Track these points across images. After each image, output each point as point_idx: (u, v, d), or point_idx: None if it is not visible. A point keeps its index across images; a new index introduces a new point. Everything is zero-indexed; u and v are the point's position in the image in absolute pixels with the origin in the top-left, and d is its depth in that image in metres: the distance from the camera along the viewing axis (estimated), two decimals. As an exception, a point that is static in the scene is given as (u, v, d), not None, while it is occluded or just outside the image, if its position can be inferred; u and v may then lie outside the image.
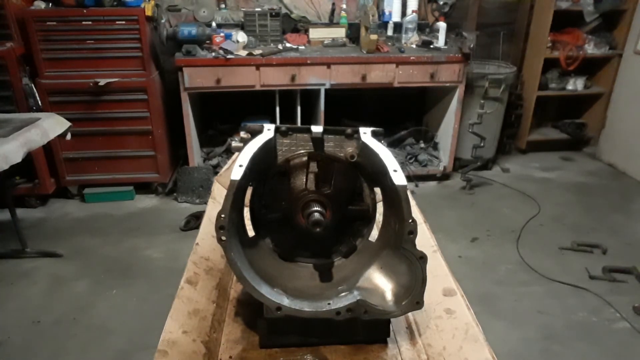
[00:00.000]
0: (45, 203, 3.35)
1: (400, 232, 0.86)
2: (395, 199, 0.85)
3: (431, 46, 3.48)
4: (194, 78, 3.13)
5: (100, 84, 3.01)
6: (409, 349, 0.93)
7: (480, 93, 3.59)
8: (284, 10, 3.64)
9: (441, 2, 3.72)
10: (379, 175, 0.90)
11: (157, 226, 3.09)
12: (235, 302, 1.05)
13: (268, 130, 0.92)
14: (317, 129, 0.92)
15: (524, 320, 2.33)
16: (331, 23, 3.72)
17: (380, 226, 1.01)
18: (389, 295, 0.90)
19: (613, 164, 4.11)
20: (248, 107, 3.70)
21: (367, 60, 3.26)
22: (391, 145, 3.83)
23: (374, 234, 1.01)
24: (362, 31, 3.41)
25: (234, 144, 3.71)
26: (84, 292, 2.45)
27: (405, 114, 4.12)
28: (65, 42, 2.98)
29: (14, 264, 2.67)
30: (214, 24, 3.42)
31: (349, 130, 0.93)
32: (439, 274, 1.11)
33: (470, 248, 2.93)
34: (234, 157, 1.69)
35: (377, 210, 1.00)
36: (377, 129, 0.96)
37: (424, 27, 3.79)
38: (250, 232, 0.99)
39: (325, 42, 3.50)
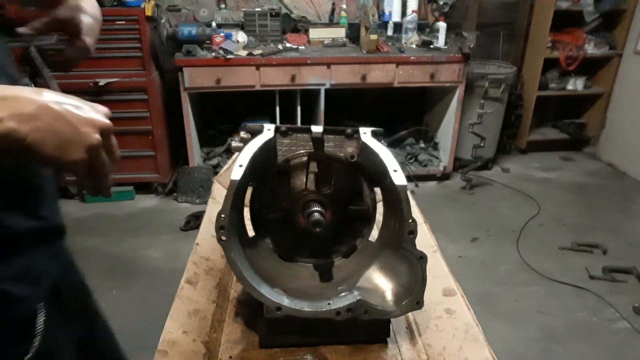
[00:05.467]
0: (45, 203, 3.35)
1: (400, 232, 0.86)
2: (395, 199, 0.85)
3: (431, 46, 3.48)
4: (194, 78, 3.13)
5: (100, 84, 3.01)
6: (409, 349, 0.93)
7: (480, 93, 3.59)
8: (284, 10, 3.64)
9: (441, 2, 3.72)
10: (379, 175, 0.90)
11: (157, 226, 3.09)
12: (235, 302, 1.05)
13: (268, 130, 0.92)
14: (317, 129, 0.92)
15: (524, 320, 2.33)
16: (331, 23, 3.73)
17: (380, 226, 1.01)
18: (389, 295, 0.90)
19: (613, 164, 4.11)
20: (248, 107, 3.70)
21: (367, 60, 3.26)
22: (391, 145, 3.83)
23: (374, 234, 1.01)
24: (362, 31, 3.41)
25: (234, 144, 3.70)
26: (84, 292, 2.45)
27: (405, 114, 4.12)
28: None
29: (14, 264, 2.67)
30: (214, 24, 3.42)
31: (349, 130, 0.93)
32: (439, 274, 1.11)
33: (470, 248, 2.93)
34: (234, 157, 1.69)
35: (377, 210, 1.00)
36: (377, 129, 0.96)
37: (424, 27, 3.79)
38: (250, 232, 0.99)
39: (325, 42, 3.50)
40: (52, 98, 0.55)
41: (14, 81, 0.73)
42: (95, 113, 0.59)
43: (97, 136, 0.58)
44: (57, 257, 0.81)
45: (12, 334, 0.70)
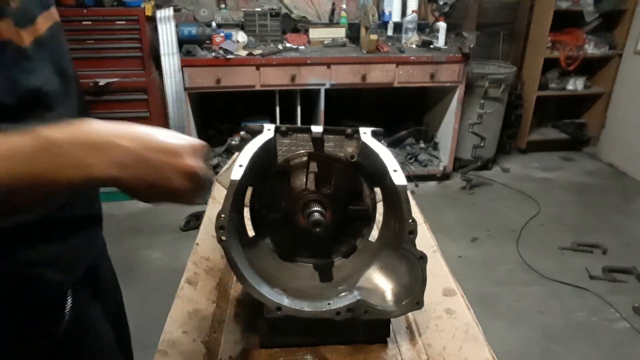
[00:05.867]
0: (45, 203, 3.35)
1: (400, 232, 0.86)
2: (395, 199, 0.85)
3: (431, 46, 3.48)
4: (194, 78, 3.13)
5: (100, 84, 3.01)
6: (409, 349, 0.93)
7: (480, 93, 3.59)
8: (284, 10, 3.64)
9: (441, 2, 3.72)
10: (379, 175, 0.90)
11: (157, 226, 3.09)
12: (235, 302, 1.05)
13: (268, 130, 0.92)
14: (317, 129, 0.92)
15: (524, 320, 2.33)
16: (331, 23, 3.72)
17: (380, 226, 1.01)
18: (389, 295, 0.90)
19: (613, 164, 4.11)
20: (248, 107, 3.70)
21: (367, 60, 3.26)
22: (391, 145, 3.83)
23: (374, 234, 1.01)
24: (362, 31, 3.41)
25: (234, 143, 3.71)
26: (84, 292, 2.45)
27: (405, 114, 4.12)
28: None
29: (14, 264, 2.67)
30: (214, 24, 3.42)
31: (349, 130, 0.93)
32: (439, 274, 1.11)
33: (470, 248, 2.93)
34: (234, 157, 1.69)
35: (377, 210, 1.00)
36: (377, 129, 0.96)
37: (424, 27, 3.79)
38: (250, 232, 0.99)
39: (325, 42, 3.50)
40: (145, 144, 0.58)
41: (64, 74, 0.74)
42: (188, 157, 0.61)
43: (185, 182, 0.60)
44: (92, 245, 0.84)
45: (41, 316, 0.72)
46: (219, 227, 0.80)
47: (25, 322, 0.70)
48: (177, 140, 0.61)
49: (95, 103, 3.11)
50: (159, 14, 3.02)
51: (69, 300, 0.75)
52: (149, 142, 0.58)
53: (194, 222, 3.06)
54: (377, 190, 0.98)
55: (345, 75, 3.28)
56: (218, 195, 1.44)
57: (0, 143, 0.52)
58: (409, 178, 3.66)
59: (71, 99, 0.76)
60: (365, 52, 3.32)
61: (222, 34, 3.28)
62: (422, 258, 0.85)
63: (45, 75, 0.67)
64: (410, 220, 0.83)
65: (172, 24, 3.07)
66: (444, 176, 3.82)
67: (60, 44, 0.77)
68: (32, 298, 0.70)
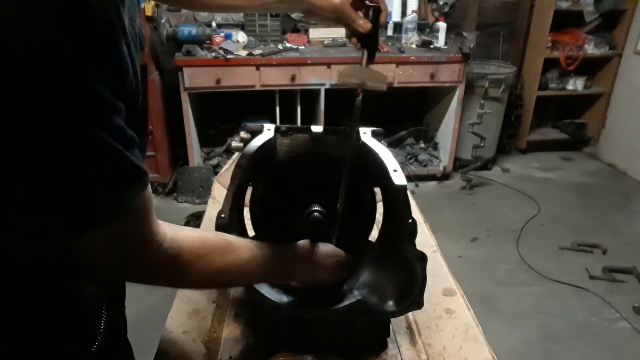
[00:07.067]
0: (45, 203, 3.34)
1: (400, 232, 0.86)
2: (395, 199, 0.85)
3: (431, 46, 3.48)
4: (194, 78, 3.13)
5: (100, 84, 3.01)
6: (409, 349, 0.93)
7: (480, 93, 3.58)
8: (284, 10, 3.64)
9: (441, 2, 3.72)
10: (379, 175, 0.90)
11: (157, 226, 3.09)
12: (235, 302, 1.05)
13: (268, 130, 0.92)
14: (317, 129, 0.92)
15: (524, 320, 2.33)
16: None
17: (380, 226, 1.01)
18: (389, 295, 0.90)
19: (613, 164, 4.11)
20: (248, 107, 3.69)
21: (367, 60, 3.26)
22: (391, 145, 3.83)
23: (374, 234, 1.01)
24: (362, 31, 3.40)
25: (234, 144, 3.70)
26: (84, 292, 2.44)
27: (405, 114, 4.12)
28: (65, 42, 2.98)
29: (14, 264, 2.66)
30: (214, 24, 3.42)
31: (349, 130, 0.93)
32: (439, 274, 1.11)
33: (470, 248, 2.93)
34: (234, 157, 1.69)
35: (377, 210, 1.00)
36: (377, 129, 0.96)
37: (424, 27, 3.79)
38: (250, 232, 0.99)
39: (325, 42, 3.50)
40: (320, 277, 0.87)
41: (139, 123, 0.64)
42: (343, 270, 0.90)
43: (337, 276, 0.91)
44: None
45: (75, 336, 0.71)
46: (219, 227, 0.80)
47: (60, 343, 0.68)
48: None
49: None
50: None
51: (103, 318, 0.74)
52: (323, 270, 0.86)
53: (194, 222, 3.05)
54: (377, 190, 0.98)
55: (345, 75, 3.27)
56: (218, 195, 1.44)
57: (287, 259, 0.84)
58: (409, 178, 3.65)
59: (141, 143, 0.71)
60: (365, 52, 3.31)
61: (222, 34, 3.28)
62: (422, 258, 0.85)
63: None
64: (410, 220, 0.83)
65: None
66: (444, 176, 3.82)
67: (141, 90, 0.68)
68: (70, 314, 0.68)
